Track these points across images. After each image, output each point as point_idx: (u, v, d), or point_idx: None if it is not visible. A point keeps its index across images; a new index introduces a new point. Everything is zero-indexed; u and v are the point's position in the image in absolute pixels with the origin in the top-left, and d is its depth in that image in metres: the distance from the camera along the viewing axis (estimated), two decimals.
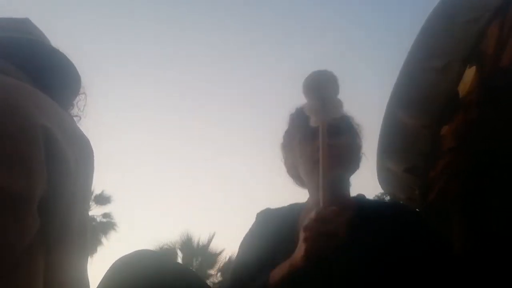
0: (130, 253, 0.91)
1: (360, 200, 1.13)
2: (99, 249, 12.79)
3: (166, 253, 11.94)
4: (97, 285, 0.90)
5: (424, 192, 1.11)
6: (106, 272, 0.90)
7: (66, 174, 0.72)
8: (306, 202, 1.16)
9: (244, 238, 1.16)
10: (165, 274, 0.87)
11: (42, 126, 0.69)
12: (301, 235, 0.88)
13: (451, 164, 1.08)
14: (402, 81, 0.99)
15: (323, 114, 0.93)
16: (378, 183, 1.24)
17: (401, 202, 1.27)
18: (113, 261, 0.90)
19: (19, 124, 0.67)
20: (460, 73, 0.92)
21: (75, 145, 0.77)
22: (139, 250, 0.92)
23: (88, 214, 0.86)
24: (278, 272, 0.95)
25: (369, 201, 1.15)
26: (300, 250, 0.88)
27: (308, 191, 1.14)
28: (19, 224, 0.63)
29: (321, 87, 0.94)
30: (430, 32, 0.95)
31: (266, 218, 1.17)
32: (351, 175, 1.11)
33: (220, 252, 13.26)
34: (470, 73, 0.96)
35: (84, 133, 0.88)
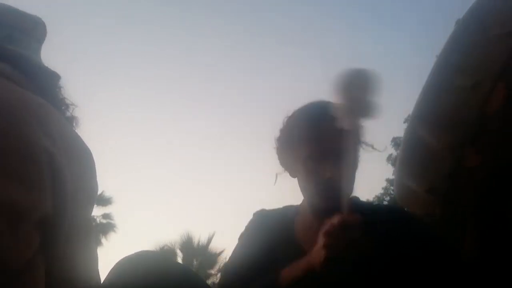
0: (131, 254, 0.89)
1: (355, 203, 1.10)
2: (99, 250, 12.77)
3: (166, 254, 11.92)
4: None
5: (444, 209, 1.08)
6: (108, 273, 0.88)
7: (66, 193, 0.72)
8: (300, 205, 1.13)
9: (239, 240, 1.14)
10: (167, 275, 0.86)
11: (45, 148, 0.69)
12: (322, 240, 0.87)
13: (472, 183, 1.04)
14: (426, 99, 0.93)
15: (351, 116, 0.87)
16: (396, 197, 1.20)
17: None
18: (115, 262, 0.89)
19: (23, 144, 0.67)
20: (490, 92, 0.86)
21: (75, 161, 0.77)
22: (140, 251, 0.90)
23: (91, 216, 0.85)
24: (291, 272, 0.93)
25: (364, 204, 1.13)
26: (318, 254, 0.87)
27: (304, 190, 1.07)
28: (20, 239, 0.63)
29: (351, 87, 0.85)
30: (458, 47, 0.89)
31: (262, 219, 1.14)
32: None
33: (220, 252, 13.43)
34: (498, 92, 0.91)
35: (86, 133, 0.88)
